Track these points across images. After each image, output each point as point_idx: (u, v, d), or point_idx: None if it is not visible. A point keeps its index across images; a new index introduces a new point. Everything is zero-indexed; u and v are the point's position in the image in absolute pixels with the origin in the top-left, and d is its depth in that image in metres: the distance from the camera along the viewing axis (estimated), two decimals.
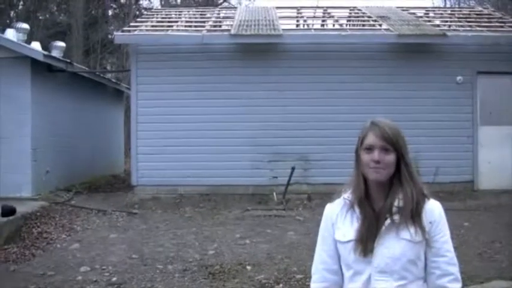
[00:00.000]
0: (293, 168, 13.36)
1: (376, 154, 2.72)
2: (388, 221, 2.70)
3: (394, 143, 2.73)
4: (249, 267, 8.27)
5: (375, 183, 2.76)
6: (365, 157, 2.75)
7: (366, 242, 2.70)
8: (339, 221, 2.85)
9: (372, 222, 2.72)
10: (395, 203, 2.71)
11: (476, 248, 8.88)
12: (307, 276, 7.53)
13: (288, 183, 13.36)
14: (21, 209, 11.29)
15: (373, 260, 2.70)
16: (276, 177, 13.74)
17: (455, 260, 2.79)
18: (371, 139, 2.75)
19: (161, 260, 8.81)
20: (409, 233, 2.69)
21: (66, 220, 11.81)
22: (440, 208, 2.81)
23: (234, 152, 13.87)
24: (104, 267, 8.51)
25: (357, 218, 2.77)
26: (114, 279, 8.00)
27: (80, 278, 8.10)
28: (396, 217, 2.69)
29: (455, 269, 2.78)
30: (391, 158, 2.73)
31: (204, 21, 16.60)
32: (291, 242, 9.70)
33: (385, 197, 2.76)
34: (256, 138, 13.84)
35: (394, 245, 2.69)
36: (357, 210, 2.78)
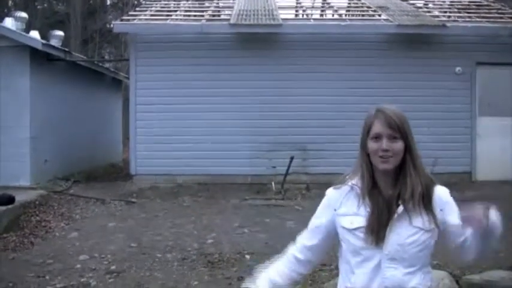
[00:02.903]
0: (292, 158, 13.37)
1: (384, 142, 2.70)
2: (401, 208, 2.70)
3: (401, 131, 2.72)
4: (247, 256, 8.29)
5: (383, 172, 2.76)
6: (373, 146, 2.73)
7: (378, 230, 2.70)
8: (342, 207, 2.84)
9: (383, 210, 2.71)
10: (406, 190, 2.71)
11: None
12: None
13: (287, 173, 13.37)
14: (20, 197, 11.28)
15: (384, 247, 2.70)
16: (275, 166, 13.75)
17: None
18: (378, 127, 2.73)
19: (160, 248, 8.82)
20: (421, 220, 2.71)
21: (65, 209, 11.83)
22: (447, 193, 2.84)
23: (233, 142, 13.89)
24: (102, 256, 8.52)
25: (365, 206, 2.76)
26: (113, 267, 8.01)
27: (78, 266, 8.10)
28: (409, 204, 2.69)
29: None
30: (399, 145, 2.71)
31: (203, 11, 16.57)
32: (289, 232, 9.66)
33: (393, 185, 2.75)
34: (255, 128, 13.86)
35: (407, 233, 2.69)
36: (367, 198, 2.77)
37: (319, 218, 2.97)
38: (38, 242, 9.63)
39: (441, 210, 2.77)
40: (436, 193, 2.78)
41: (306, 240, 3.04)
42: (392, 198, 2.74)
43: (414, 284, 2.71)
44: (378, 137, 2.73)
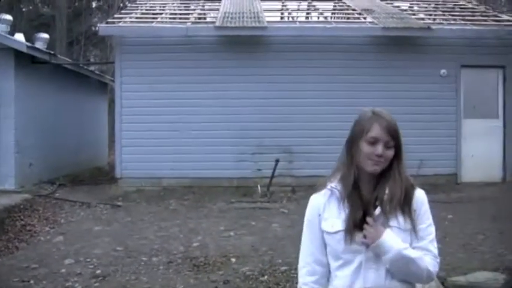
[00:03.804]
0: (277, 161, 13.37)
1: (380, 148, 2.72)
2: (378, 210, 2.72)
3: (395, 139, 2.77)
4: (233, 259, 8.28)
5: (368, 174, 2.78)
6: (367, 149, 2.74)
7: (355, 232, 2.71)
8: (326, 211, 2.85)
9: (360, 212, 2.73)
10: (385, 194, 2.73)
11: (459, 239, 8.93)
12: (292, 268, 7.55)
13: (272, 176, 13.37)
14: (4, 201, 11.25)
15: (363, 248, 2.72)
16: (260, 169, 13.75)
17: (435, 243, 2.82)
18: (377, 132, 2.75)
19: (145, 252, 8.79)
20: (396, 220, 2.73)
21: (50, 213, 11.77)
22: (423, 196, 2.85)
23: (219, 145, 13.87)
24: (88, 260, 8.48)
25: (345, 208, 2.78)
26: (98, 271, 7.97)
27: (64, 270, 8.07)
28: (386, 206, 2.71)
29: (433, 247, 2.80)
30: (391, 152, 2.76)
31: (188, 14, 16.55)
32: (275, 234, 9.71)
33: (374, 187, 2.78)
34: (240, 131, 13.85)
35: None
36: (345, 200, 2.78)
37: (310, 231, 2.94)
38: (23, 246, 9.58)
39: (414, 210, 2.78)
40: (414, 196, 2.81)
41: (310, 258, 2.94)
42: (371, 200, 2.76)
43: (395, 284, 2.74)
44: (374, 142, 2.74)
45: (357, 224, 2.72)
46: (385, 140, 2.74)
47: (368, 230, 2.69)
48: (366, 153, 2.75)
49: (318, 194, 2.91)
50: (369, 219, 2.72)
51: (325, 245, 2.88)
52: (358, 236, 2.72)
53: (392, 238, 2.68)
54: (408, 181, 2.81)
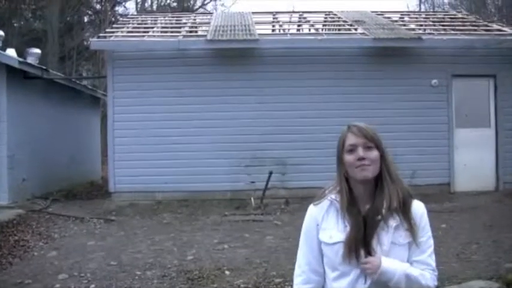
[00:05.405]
0: (270, 173, 13.36)
1: (360, 151, 2.74)
2: (381, 224, 2.73)
3: (374, 140, 2.78)
4: (227, 272, 8.27)
5: (361, 183, 2.78)
6: (349, 158, 2.77)
7: (356, 247, 2.73)
8: (324, 222, 2.87)
9: (361, 227, 2.74)
10: (383, 205, 2.74)
11: (453, 249, 8.95)
12: (286, 280, 7.54)
13: (266, 188, 13.36)
14: None
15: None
16: (254, 182, 13.75)
17: (433, 255, 2.86)
18: (352, 139, 2.78)
19: (140, 266, 8.77)
20: (398, 235, 2.75)
21: (44, 228, 11.72)
22: (422, 209, 2.87)
23: (212, 158, 13.86)
24: (82, 275, 8.45)
25: (344, 221, 2.79)
26: (92, 286, 7.95)
27: (58, 285, 8.04)
28: (389, 220, 2.74)
29: (432, 261, 2.84)
30: (374, 154, 2.76)
31: (180, 27, 16.59)
32: (269, 247, 9.70)
33: (371, 199, 2.79)
34: (233, 143, 13.85)
35: (384, 248, 2.74)
36: (346, 213, 2.79)
37: (307, 240, 2.96)
38: (17, 261, 9.52)
39: (415, 224, 2.79)
40: (412, 207, 2.81)
41: (306, 267, 2.97)
42: (372, 212, 2.76)
43: None
44: (353, 149, 2.77)
45: (359, 239, 2.73)
46: (362, 142, 2.76)
47: (366, 266, 2.71)
48: (349, 162, 2.77)
49: (317, 205, 2.93)
50: (369, 258, 2.73)
51: (322, 255, 2.90)
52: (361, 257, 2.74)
53: (392, 262, 2.71)
54: (405, 190, 2.82)
